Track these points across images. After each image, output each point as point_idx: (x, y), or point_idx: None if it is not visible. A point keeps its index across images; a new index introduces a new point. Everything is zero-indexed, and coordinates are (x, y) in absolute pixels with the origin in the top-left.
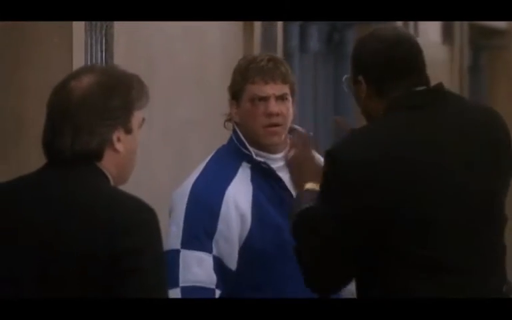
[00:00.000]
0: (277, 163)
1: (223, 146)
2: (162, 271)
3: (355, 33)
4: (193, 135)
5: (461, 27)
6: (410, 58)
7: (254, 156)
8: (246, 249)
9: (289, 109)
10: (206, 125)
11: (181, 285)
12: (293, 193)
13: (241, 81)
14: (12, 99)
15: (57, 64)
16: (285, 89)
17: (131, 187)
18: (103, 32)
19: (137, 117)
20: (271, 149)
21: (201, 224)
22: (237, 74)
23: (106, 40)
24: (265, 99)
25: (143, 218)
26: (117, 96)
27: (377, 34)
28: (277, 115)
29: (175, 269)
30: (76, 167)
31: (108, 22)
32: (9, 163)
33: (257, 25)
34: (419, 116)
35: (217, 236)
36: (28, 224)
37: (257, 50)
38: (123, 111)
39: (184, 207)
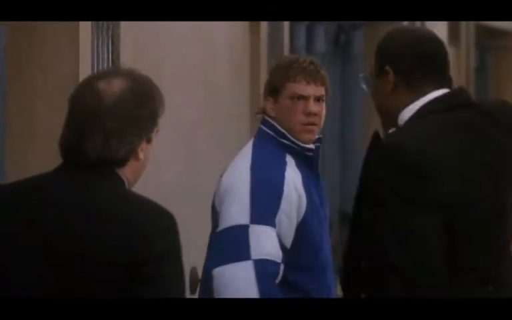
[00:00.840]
0: (312, 152)
1: (259, 139)
2: (181, 277)
3: (361, 33)
4: (200, 134)
5: (467, 28)
6: (439, 55)
7: (301, 144)
8: (300, 229)
9: (323, 110)
10: (213, 125)
11: (252, 257)
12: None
13: (282, 79)
14: (19, 99)
15: (64, 64)
16: (323, 91)
17: (138, 187)
18: (110, 32)
19: (157, 127)
20: (307, 139)
21: (267, 201)
22: (277, 72)
23: (112, 40)
24: (305, 98)
25: (163, 225)
26: (147, 106)
27: (407, 28)
28: (315, 114)
29: (244, 243)
30: (98, 172)
31: (114, 22)
32: (17, 162)
33: (264, 25)
34: (457, 117)
35: (279, 214)
36: (43, 226)
37: (263, 51)
38: (150, 121)
39: (247, 187)
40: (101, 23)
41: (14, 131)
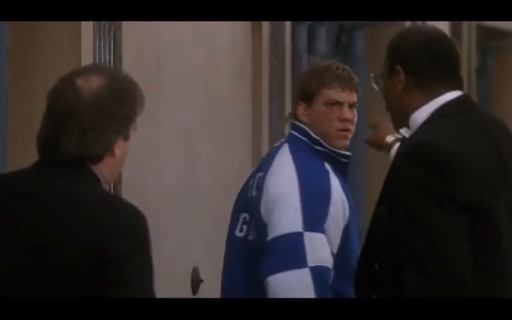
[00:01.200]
0: (345, 159)
1: (289, 144)
2: (149, 277)
3: (362, 34)
4: (201, 135)
5: (468, 29)
6: (451, 56)
7: (338, 151)
8: (345, 235)
9: (356, 116)
10: (214, 126)
11: (309, 264)
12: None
13: (316, 85)
14: (21, 99)
15: (66, 65)
16: (355, 98)
17: (139, 189)
18: (112, 33)
19: (134, 124)
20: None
21: (318, 208)
22: (311, 78)
23: (114, 41)
24: (340, 104)
25: (132, 223)
26: (125, 104)
27: (418, 28)
28: (349, 120)
29: (301, 249)
30: (73, 169)
31: (116, 23)
32: (18, 163)
33: (265, 26)
34: (474, 119)
35: (328, 220)
36: (19, 222)
37: (265, 51)
38: (128, 119)
39: (297, 194)
40: (103, 23)
41: (15, 132)
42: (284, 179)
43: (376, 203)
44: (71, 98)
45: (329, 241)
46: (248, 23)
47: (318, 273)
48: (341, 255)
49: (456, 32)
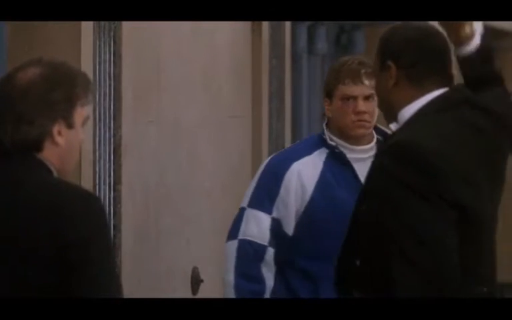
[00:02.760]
0: (358, 154)
1: (313, 135)
2: (111, 260)
3: (362, 34)
4: (201, 135)
5: None
6: (443, 51)
7: (328, 140)
8: (305, 217)
9: (374, 108)
10: (214, 126)
11: (239, 237)
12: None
13: (334, 82)
14: None
15: None
16: (372, 90)
17: (139, 187)
18: (111, 33)
19: (80, 112)
20: (357, 141)
21: (266, 187)
22: (331, 75)
23: (114, 41)
24: (354, 98)
25: (92, 207)
26: (59, 89)
27: (410, 23)
28: (364, 113)
29: (238, 223)
30: (16, 158)
31: (116, 23)
32: None
33: (265, 26)
34: (460, 115)
35: (278, 200)
36: None
37: (265, 51)
38: (64, 104)
39: (259, 174)
40: (102, 23)
41: None
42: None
43: (357, 199)
44: (6, 90)
45: (281, 221)
46: (248, 23)
47: (241, 246)
48: (301, 236)
49: None
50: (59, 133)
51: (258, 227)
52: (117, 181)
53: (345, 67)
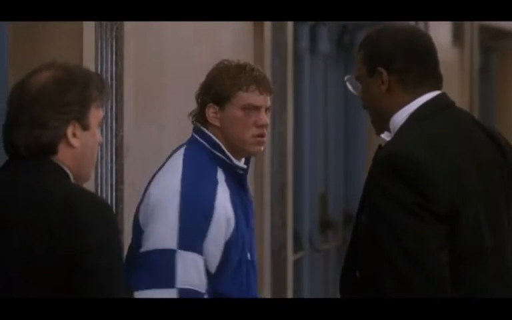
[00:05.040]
0: (240, 171)
1: (189, 149)
2: (120, 268)
3: (365, 34)
4: None
5: (471, 29)
6: (432, 53)
7: (234, 162)
8: (225, 253)
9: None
10: None
11: (177, 286)
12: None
13: (231, 87)
14: None
15: None
16: (270, 101)
17: (141, 188)
18: (113, 33)
19: (95, 114)
20: (248, 155)
21: (196, 225)
22: (225, 79)
23: (116, 41)
24: (257, 108)
25: (100, 215)
26: (72, 91)
27: (396, 26)
28: (266, 125)
29: (170, 268)
30: (31, 161)
31: (118, 23)
32: None
33: (267, 27)
34: (450, 120)
35: (207, 238)
36: None
37: (267, 52)
38: (78, 106)
39: (176, 206)
40: (104, 23)
41: None
42: (167, 187)
43: (357, 210)
44: (20, 94)
45: (208, 260)
46: (250, 24)
47: (184, 296)
48: (220, 274)
49: (458, 32)
50: (74, 135)
51: (198, 272)
52: (119, 181)
53: (246, 73)
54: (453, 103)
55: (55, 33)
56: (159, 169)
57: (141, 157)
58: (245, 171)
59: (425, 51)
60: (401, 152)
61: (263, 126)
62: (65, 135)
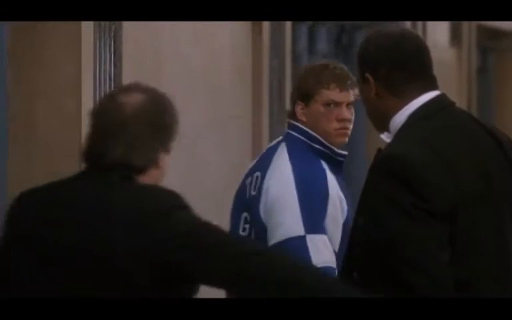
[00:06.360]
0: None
1: (286, 143)
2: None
3: (363, 34)
4: (202, 136)
5: (468, 29)
6: (419, 55)
7: (336, 149)
8: (345, 232)
9: (353, 115)
10: (215, 126)
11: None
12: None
13: (315, 85)
14: (21, 100)
15: (66, 65)
16: (353, 97)
17: None
18: (112, 33)
19: (173, 137)
20: (337, 147)
21: (316, 208)
22: (310, 77)
23: (115, 41)
24: (338, 104)
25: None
26: (168, 115)
27: (382, 31)
28: (347, 120)
29: (304, 253)
30: (120, 177)
31: (117, 23)
32: (19, 163)
33: (266, 27)
34: (448, 120)
35: (327, 219)
36: (60, 230)
37: (265, 52)
38: (171, 129)
39: (295, 196)
40: (103, 23)
41: (16, 132)
42: (282, 181)
43: (355, 212)
44: (115, 111)
45: (330, 240)
46: (248, 24)
47: (325, 273)
48: (343, 248)
49: (456, 32)
50: (161, 158)
51: (328, 249)
52: None
53: (328, 71)
54: (452, 103)
55: (54, 33)
56: (255, 169)
57: None
58: (344, 157)
59: (414, 54)
60: (397, 154)
61: (344, 120)
62: (157, 157)
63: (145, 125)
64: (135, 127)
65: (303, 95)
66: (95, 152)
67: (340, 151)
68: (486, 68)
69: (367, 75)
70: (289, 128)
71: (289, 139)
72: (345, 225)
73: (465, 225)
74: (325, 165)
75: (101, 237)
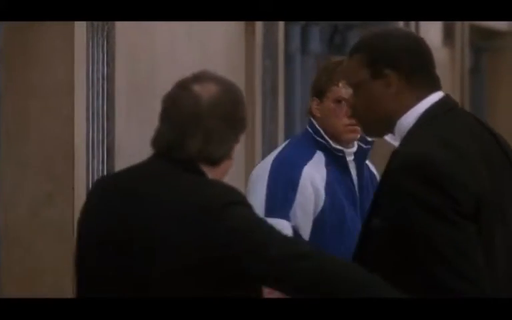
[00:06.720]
0: (349, 157)
1: (297, 136)
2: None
3: (356, 34)
4: None
5: (461, 29)
6: (431, 56)
7: (332, 144)
8: (318, 223)
9: None
10: None
11: None
12: (357, 186)
13: (327, 82)
14: (14, 100)
15: (59, 65)
16: None
17: None
18: (105, 33)
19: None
20: (345, 144)
21: (282, 193)
22: (323, 74)
23: (107, 41)
24: (347, 101)
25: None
26: (241, 107)
27: (395, 30)
28: None
29: None
30: (187, 169)
31: (109, 23)
32: (13, 162)
33: (259, 27)
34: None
35: (294, 206)
36: (124, 219)
37: (258, 52)
38: (244, 121)
39: (266, 180)
40: (96, 23)
41: (9, 132)
42: (263, 165)
43: (367, 214)
44: (190, 103)
45: (298, 227)
46: (241, 24)
47: None
48: (317, 242)
49: (449, 32)
50: (233, 149)
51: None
52: None
53: (340, 68)
54: (457, 104)
55: (47, 33)
56: None
57: (132, 157)
58: (343, 153)
59: (425, 53)
60: (421, 153)
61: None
62: (231, 149)
63: (220, 119)
64: (211, 121)
65: (317, 91)
66: (168, 143)
67: (337, 146)
68: (479, 68)
69: (388, 70)
70: (308, 125)
71: (303, 133)
72: (320, 218)
73: (483, 225)
74: (320, 158)
75: (155, 228)
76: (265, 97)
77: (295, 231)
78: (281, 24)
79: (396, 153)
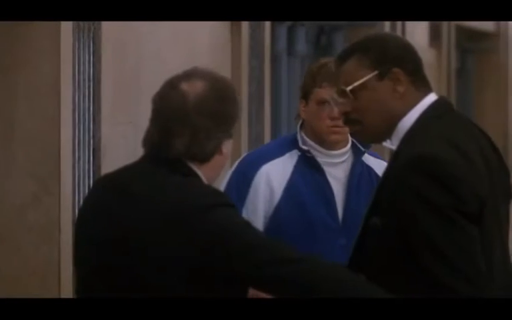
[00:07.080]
0: (332, 159)
1: (284, 135)
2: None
3: (342, 35)
4: None
5: (448, 30)
6: (419, 56)
7: (300, 144)
8: (272, 222)
9: None
10: None
11: None
12: (334, 189)
13: (311, 84)
14: (1, 99)
15: (45, 66)
16: None
17: None
18: (91, 34)
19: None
20: (331, 146)
21: (236, 189)
22: (308, 77)
23: (94, 42)
24: (330, 102)
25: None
26: (230, 103)
27: (385, 32)
28: (339, 118)
29: None
30: (176, 168)
31: (96, 23)
32: (0, 164)
33: (245, 28)
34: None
35: (247, 201)
36: (116, 219)
37: (244, 53)
38: (234, 117)
39: (230, 173)
40: (82, 24)
41: None
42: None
43: (366, 212)
44: (178, 101)
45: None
46: (227, 24)
47: None
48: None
49: (435, 33)
50: (224, 145)
51: None
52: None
53: (323, 70)
54: (453, 105)
55: (33, 34)
56: None
57: (118, 158)
58: (311, 154)
59: (418, 54)
60: (433, 153)
61: (336, 118)
62: (221, 145)
63: (207, 116)
64: (198, 118)
65: (303, 93)
66: (157, 143)
67: (303, 147)
68: (465, 69)
69: (396, 69)
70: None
71: (287, 135)
72: (275, 217)
73: (485, 227)
74: (292, 158)
75: (146, 228)
76: (251, 98)
77: None
78: (267, 24)
79: (398, 154)
